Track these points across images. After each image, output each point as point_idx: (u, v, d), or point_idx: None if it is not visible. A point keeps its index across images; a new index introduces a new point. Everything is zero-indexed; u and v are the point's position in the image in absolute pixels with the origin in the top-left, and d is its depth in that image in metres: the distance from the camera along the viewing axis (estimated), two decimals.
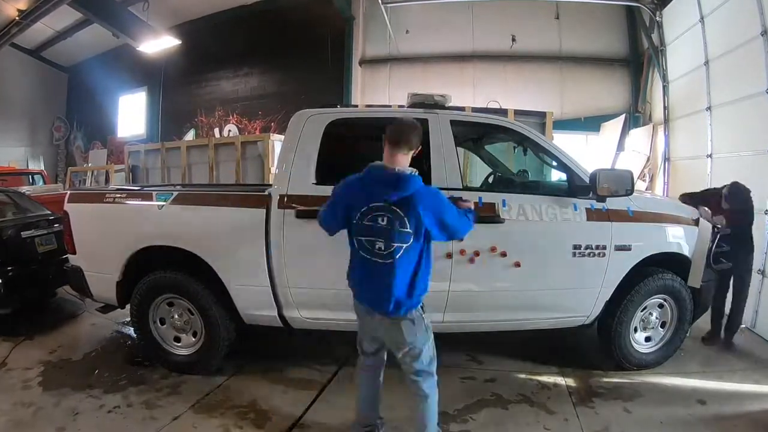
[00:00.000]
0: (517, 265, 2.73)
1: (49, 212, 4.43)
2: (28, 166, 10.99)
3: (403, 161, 1.97)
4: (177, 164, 6.83)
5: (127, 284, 3.02)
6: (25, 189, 6.53)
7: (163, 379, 2.93)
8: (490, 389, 2.85)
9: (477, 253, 2.69)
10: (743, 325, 3.91)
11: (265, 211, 2.72)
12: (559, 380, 2.99)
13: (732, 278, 3.50)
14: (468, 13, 8.36)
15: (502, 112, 5.67)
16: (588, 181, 2.73)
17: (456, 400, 2.69)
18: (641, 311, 3.03)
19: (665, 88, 6.66)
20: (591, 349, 3.34)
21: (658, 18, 6.71)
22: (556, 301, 2.88)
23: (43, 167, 11.13)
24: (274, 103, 8.82)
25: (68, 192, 3.34)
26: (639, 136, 7.20)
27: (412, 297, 1.97)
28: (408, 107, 2.99)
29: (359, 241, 1.99)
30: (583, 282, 2.86)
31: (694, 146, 5.72)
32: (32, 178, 8.82)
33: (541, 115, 5.76)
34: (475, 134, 3.62)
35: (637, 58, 7.80)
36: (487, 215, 2.68)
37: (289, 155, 2.79)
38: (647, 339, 3.12)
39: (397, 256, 1.92)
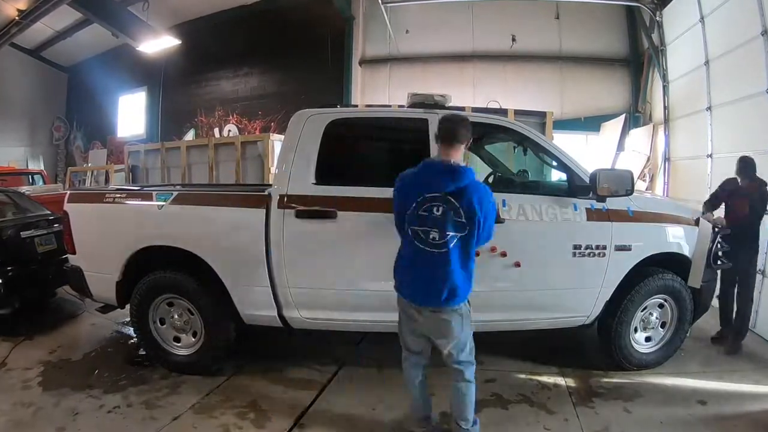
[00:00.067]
0: (517, 265, 2.72)
1: (48, 212, 4.43)
2: (27, 166, 10.98)
3: (457, 156, 2.06)
4: (177, 164, 6.83)
5: (126, 284, 3.01)
6: (24, 189, 6.53)
7: (163, 379, 2.93)
8: (490, 389, 2.85)
9: (477, 253, 2.67)
10: None
11: (264, 211, 2.71)
12: (559, 380, 2.99)
13: (737, 278, 3.44)
14: (468, 13, 8.36)
15: (502, 112, 5.67)
16: (588, 181, 2.73)
17: None
18: (641, 311, 3.03)
19: (665, 88, 6.66)
20: (591, 349, 3.34)
21: (658, 18, 6.70)
22: (556, 301, 2.88)
23: (42, 167, 11.12)
24: (274, 103, 8.82)
25: (68, 192, 3.34)
26: (639, 136, 7.19)
27: (463, 287, 2.03)
28: (408, 107, 2.99)
29: (414, 231, 2.02)
30: (583, 282, 2.85)
31: (694, 146, 5.71)
32: (32, 178, 8.81)
33: (541, 115, 5.75)
34: (475, 134, 3.59)
35: (637, 58, 7.80)
36: None
37: (289, 155, 2.79)
38: (647, 339, 3.11)
39: (451, 246, 1.98)
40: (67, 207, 3.13)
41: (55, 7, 7.50)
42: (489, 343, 3.39)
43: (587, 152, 7.77)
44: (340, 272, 2.76)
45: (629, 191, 2.70)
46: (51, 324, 3.90)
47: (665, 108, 6.65)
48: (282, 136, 3.39)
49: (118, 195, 3.08)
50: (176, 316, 2.99)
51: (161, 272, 2.93)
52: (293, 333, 2.96)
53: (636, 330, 3.06)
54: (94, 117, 11.74)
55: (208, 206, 2.87)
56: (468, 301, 2.11)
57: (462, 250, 2.01)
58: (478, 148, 3.84)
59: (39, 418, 2.50)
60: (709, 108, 5.22)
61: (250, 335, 3.11)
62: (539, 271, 2.80)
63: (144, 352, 3.19)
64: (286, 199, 2.70)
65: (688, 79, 5.93)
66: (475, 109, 5.29)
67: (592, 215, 2.78)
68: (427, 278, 2.02)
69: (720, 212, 3.46)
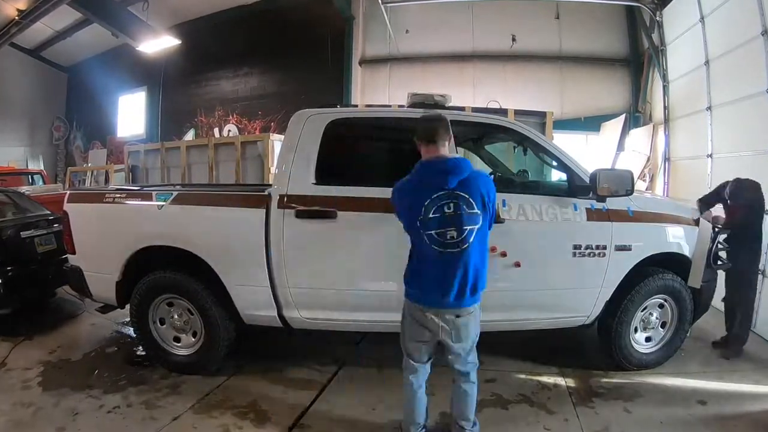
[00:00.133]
0: (517, 265, 2.72)
1: (48, 212, 4.43)
2: (27, 166, 10.98)
3: (445, 152, 2.03)
4: (177, 164, 6.83)
5: (126, 284, 3.01)
6: (24, 189, 6.53)
7: (163, 379, 2.93)
8: (490, 389, 2.85)
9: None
10: None
11: (264, 211, 2.71)
12: (559, 380, 2.99)
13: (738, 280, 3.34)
14: (468, 13, 8.35)
15: (502, 112, 5.67)
16: (588, 181, 2.73)
17: None
18: (641, 311, 3.03)
19: (665, 88, 6.65)
20: (591, 349, 3.33)
21: (658, 18, 6.70)
22: (557, 301, 2.88)
23: (42, 167, 11.12)
24: (274, 103, 8.82)
25: (68, 192, 3.34)
26: (639, 136, 7.19)
27: (484, 280, 2.02)
28: (408, 107, 2.99)
29: (430, 236, 1.95)
30: (583, 282, 2.85)
31: (694, 146, 5.71)
32: (32, 178, 8.82)
33: (541, 115, 5.75)
34: (475, 134, 3.62)
35: (638, 58, 7.79)
36: None
37: (288, 155, 2.79)
38: (647, 339, 3.11)
39: (471, 240, 1.95)
40: (67, 207, 3.13)
41: (55, 7, 7.50)
42: (489, 343, 3.37)
43: (587, 152, 7.76)
44: (340, 272, 2.76)
45: (629, 191, 2.70)
46: (51, 324, 3.90)
47: (665, 108, 6.64)
48: (282, 136, 3.39)
49: (118, 195, 3.08)
50: (176, 316, 2.99)
51: (161, 272, 2.93)
52: (293, 333, 2.96)
53: (636, 330, 3.06)
54: (94, 117, 11.74)
55: (208, 206, 2.87)
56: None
57: (480, 242, 1.99)
58: (478, 148, 3.84)
59: (39, 418, 2.50)
60: (709, 108, 5.22)
61: (250, 335, 3.11)
62: (539, 271, 2.79)
63: (144, 352, 3.19)
64: (286, 199, 2.69)
65: (688, 79, 5.93)
66: (475, 109, 5.29)
67: (592, 215, 2.78)
68: (451, 279, 1.95)
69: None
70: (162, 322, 3.02)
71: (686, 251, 3.01)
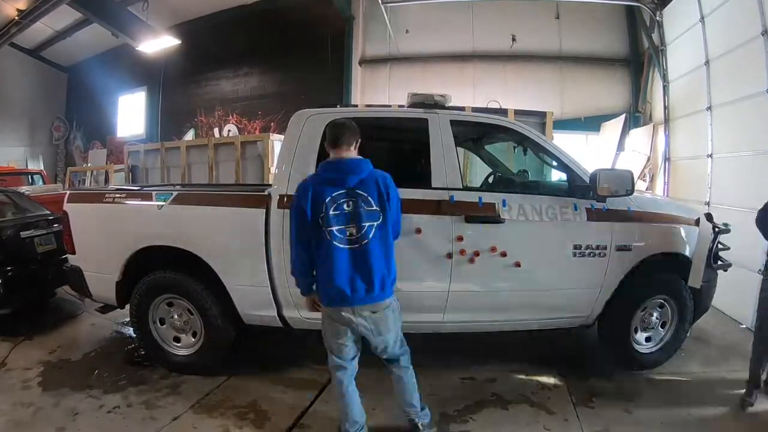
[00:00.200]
0: (518, 265, 2.72)
1: (48, 212, 4.43)
2: (27, 166, 10.97)
3: (349, 155, 2.15)
4: (176, 164, 6.82)
5: (126, 284, 3.01)
6: (24, 189, 6.53)
7: (163, 379, 2.93)
8: (490, 389, 2.85)
9: (477, 253, 2.69)
10: (743, 325, 3.90)
11: (264, 211, 2.72)
12: (559, 380, 2.99)
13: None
14: (468, 13, 8.35)
15: (502, 112, 5.66)
16: (588, 181, 2.73)
17: (456, 400, 2.68)
18: (641, 311, 3.03)
19: (665, 88, 6.64)
20: (591, 349, 3.33)
21: (658, 18, 6.69)
22: (557, 302, 2.88)
23: (42, 167, 11.12)
24: (274, 103, 8.81)
25: (67, 192, 3.34)
26: (639, 136, 7.19)
27: (391, 276, 2.08)
28: (408, 107, 2.98)
29: (331, 233, 2.03)
30: (583, 282, 2.85)
31: (694, 146, 5.71)
32: (32, 178, 8.82)
33: (541, 115, 5.75)
34: (475, 134, 3.62)
35: (638, 58, 7.79)
36: (488, 215, 2.68)
37: (288, 155, 2.79)
38: (647, 339, 3.11)
39: (370, 236, 2.03)
40: (67, 207, 3.13)
41: (55, 7, 7.49)
42: (489, 343, 3.40)
43: (587, 152, 7.76)
44: None
45: (629, 191, 2.70)
46: (51, 324, 3.90)
47: (665, 108, 6.63)
48: (282, 136, 3.39)
49: (118, 195, 3.08)
50: (176, 316, 2.99)
51: (161, 272, 2.93)
52: (293, 333, 2.96)
53: (636, 330, 3.06)
54: (94, 117, 11.73)
55: (208, 206, 2.87)
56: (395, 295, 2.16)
57: (382, 237, 2.06)
58: (478, 148, 3.84)
59: (39, 418, 2.50)
60: (709, 108, 5.21)
61: (250, 335, 3.10)
62: (539, 271, 2.79)
63: (144, 352, 3.19)
64: (286, 199, 2.69)
65: (689, 79, 5.92)
66: (475, 109, 5.29)
67: (593, 215, 2.78)
68: (356, 276, 2.02)
69: (723, 217, 3.41)
70: (162, 322, 3.02)
71: (686, 251, 3.01)
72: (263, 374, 3.01)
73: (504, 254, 2.70)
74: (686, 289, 3.01)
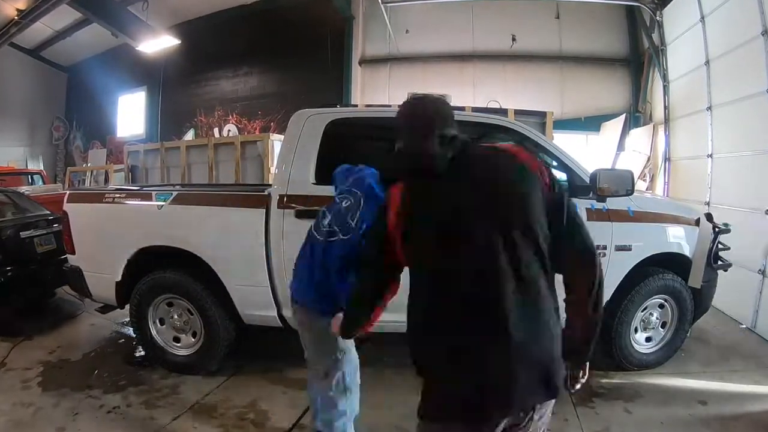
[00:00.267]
0: None
1: (48, 212, 4.43)
2: (27, 166, 10.96)
3: None
4: (176, 164, 6.81)
5: (126, 284, 3.01)
6: (24, 189, 6.52)
7: (163, 379, 2.93)
8: None
9: None
10: (743, 325, 3.90)
11: (264, 211, 2.72)
12: None
13: None
14: (468, 13, 8.34)
15: (502, 112, 5.65)
16: (588, 181, 2.72)
17: None
18: (642, 311, 3.03)
19: (665, 88, 6.65)
20: None
21: (658, 18, 6.70)
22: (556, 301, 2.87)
23: (42, 167, 11.11)
24: (274, 103, 8.81)
25: (67, 192, 3.34)
26: (639, 135, 7.19)
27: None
28: None
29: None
30: None
31: (694, 146, 5.71)
32: (31, 178, 8.80)
33: (542, 114, 5.74)
34: (475, 134, 3.60)
35: (638, 58, 7.79)
36: None
37: (288, 155, 2.79)
38: (648, 339, 3.11)
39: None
40: (67, 207, 3.13)
41: (55, 7, 7.48)
42: None
43: (587, 152, 7.75)
44: None
45: (629, 191, 2.69)
46: (50, 324, 3.90)
47: (665, 108, 6.64)
48: (282, 136, 3.39)
49: (118, 195, 3.08)
50: (176, 317, 2.99)
51: (161, 272, 2.93)
52: (293, 333, 2.95)
53: (636, 330, 3.06)
54: (94, 117, 11.72)
55: (208, 206, 2.87)
56: None
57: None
58: None
59: (39, 418, 2.50)
60: (709, 108, 5.21)
61: (250, 335, 3.10)
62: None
63: (144, 352, 3.19)
64: (285, 199, 2.69)
65: (689, 79, 5.92)
66: (475, 109, 5.27)
67: (592, 215, 2.78)
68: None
69: (723, 217, 3.41)
70: (162, 323, 3.02)
71: (687, 251, 3.01)
72: (263, 374, 3.01)
73: None
74: (686, 289, 3.01)
